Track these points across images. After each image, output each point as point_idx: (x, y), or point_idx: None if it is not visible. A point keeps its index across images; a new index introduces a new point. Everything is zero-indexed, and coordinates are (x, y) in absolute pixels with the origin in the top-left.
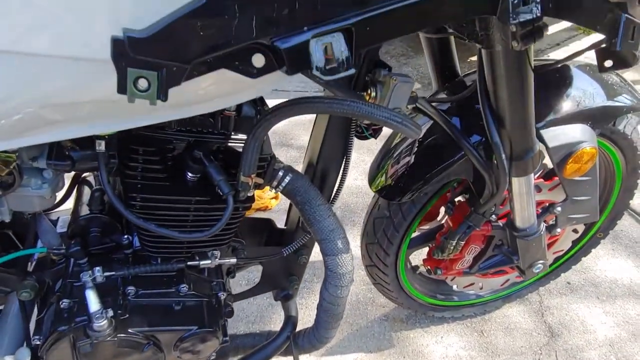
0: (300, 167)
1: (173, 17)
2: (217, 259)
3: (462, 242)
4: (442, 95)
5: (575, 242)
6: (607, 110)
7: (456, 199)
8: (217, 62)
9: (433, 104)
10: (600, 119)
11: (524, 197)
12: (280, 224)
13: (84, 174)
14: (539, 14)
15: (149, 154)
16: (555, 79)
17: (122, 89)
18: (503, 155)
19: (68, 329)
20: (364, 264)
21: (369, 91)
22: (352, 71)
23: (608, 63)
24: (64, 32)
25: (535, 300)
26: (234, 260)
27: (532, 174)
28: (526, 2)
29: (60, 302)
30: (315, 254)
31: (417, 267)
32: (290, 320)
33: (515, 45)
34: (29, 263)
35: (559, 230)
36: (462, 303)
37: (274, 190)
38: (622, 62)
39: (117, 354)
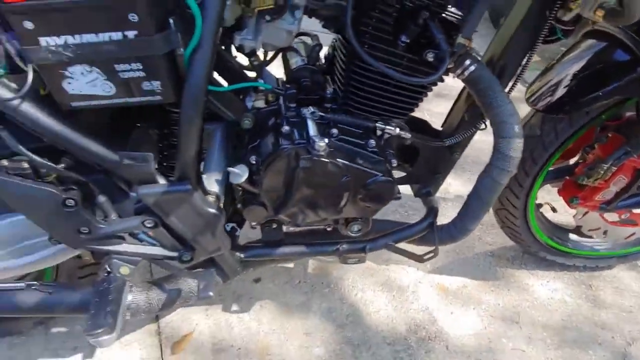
0: None
1: None
2: (397, 129)
3: (614, 168)
4: None
5: None
6: None
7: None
8: None
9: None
10: None
11: None
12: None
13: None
14: None
15: (384, 7)
16: None
17: None
18: None
19: (291, 148)
20: None
21: None
22: None
23: None
24: None
25: None
26: (409, 135)
27: None
28: None
29: (282, 129)
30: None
31: (540, 204)
32: (432, 211)
33: None
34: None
35: None
36: (576, 251)
37: (457, 78)
38: None
39: (324, 174)
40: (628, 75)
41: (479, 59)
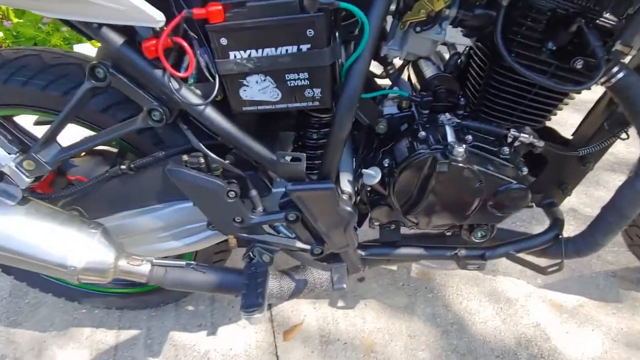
0: None
1: None
2: (531, 137)
3: None
4: None
5: None
6: None
7: None
8: None
9: None
10: None
11: None
12: None
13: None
14: None
15: (535, 15)
16: None
17: None
18: None
19: (428, 152)
20: None
21: None
22: None
23: None
24: None
25: None
26: (541, 143)
27: None
28: None
29: (419, 134)
30: None
31: None
32: (557, 222)
33: None
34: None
35: None
36: None
37: (602, 86)
38: None
39: (459, 179)
40: None
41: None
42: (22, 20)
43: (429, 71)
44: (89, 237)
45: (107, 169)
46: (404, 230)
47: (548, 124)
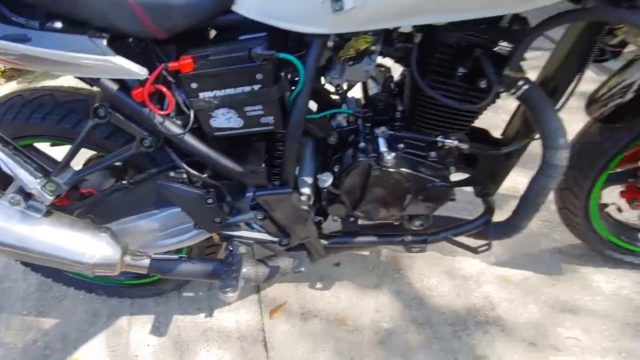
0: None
1: None
2: (455, 141)
3: None
4: None
5: None
6: None
7: None
8: None
9: None
10: None
11: None
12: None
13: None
14: None
15: (443, 48)
16: None
17: None
18: None
19: (366, 160)
20: (557, 188)
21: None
22: None
23: None
24: None
25: None
26: (466, 145)
27: None
28: None
29: (359, 145)
30: None
31: (606, 204)
32: (489, 210)
33: None
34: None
35: None
36: None
37: (511, 97)
38: None
39: (391, 181)
40: None
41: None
42: None
43: (372, 90)
44: (100, 239)
45: (112, 184)
46: (362, 221)
47: (483, 126)
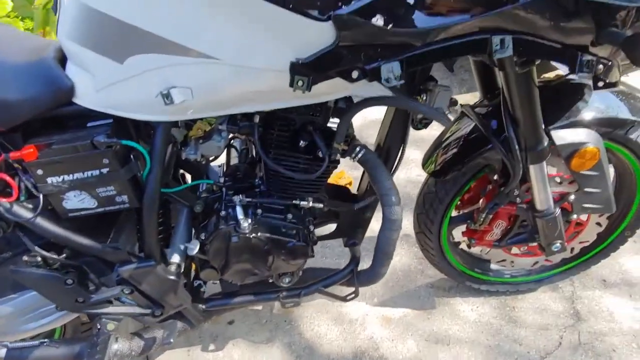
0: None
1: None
2: (310, 202)
3: (490, 216)
4: (485, 102)
5: (602, 237)
6: (612, 121)
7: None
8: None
9: (476, 109)
10: (606, 126)
11: (539, 182)
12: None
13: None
14: (510, 54)
15: (281, 126)
16: (569, 92)
17: (291, 84)
18: (517, 147)
19: (226, 228)
20: (415, 231)
21: (421, 95)
22: (401, 81)
23: (600, 83)
24: (269, 50)
25: (568, 290)
26: (321, 205)
27: (544, 163)
28: (502, 46)
29: (220, 213)
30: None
31: (458, 242)
32: (354, 260)
33: (518, 69)
34: (198, 191)
35: (575, 216)
36: (497, 279)
37: (352, 161)
38: (610, 84)
39: (251, 245)
40: (484, 147)
41: (366, 146)
42: None
43: (234, 160)
44: None
45: None
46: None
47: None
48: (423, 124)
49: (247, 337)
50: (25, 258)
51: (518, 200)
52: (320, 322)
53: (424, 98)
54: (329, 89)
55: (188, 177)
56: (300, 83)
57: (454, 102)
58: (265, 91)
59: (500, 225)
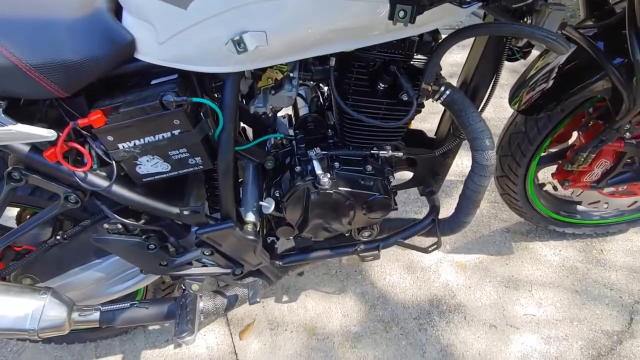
0: (455, 83)
1: None
2: (390, 151)
3: (593, 155)
4: (589, 23)
5: None
6: None
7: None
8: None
9: (580, 30)
10: None
11: None
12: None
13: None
14: None
15: (360, 68)
16: None
17: (390, 16)
18: None
19: (303, 184)
20: (496, 175)
21: (525, 19)
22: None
23: None
24: None
25: None
26: (400, 153)
27: None
28: None
29: (295, 168)
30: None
31: (543, 184)
32: (434, 209)
33: None
34: (265, 146)
35: None
36: (585, 221)
37: (435, 102)
38: None
39: (331, 201)
40: (589, 78)
41: (453, 85)
42: None
43: (302, 110)
44: (41, 302)
45: (48, 237)
46: None
47: (420, 126)
48: (522, 52)
49: (319, 287)
50: (105, 226)
51: (627, 135)
52: (392, 270)
53: (528, 21)
54: (428, 19)
55: (249, 131)
56: (402, 14)
57: (564, 24)
58: (352, 28)
59: (603, 165)
